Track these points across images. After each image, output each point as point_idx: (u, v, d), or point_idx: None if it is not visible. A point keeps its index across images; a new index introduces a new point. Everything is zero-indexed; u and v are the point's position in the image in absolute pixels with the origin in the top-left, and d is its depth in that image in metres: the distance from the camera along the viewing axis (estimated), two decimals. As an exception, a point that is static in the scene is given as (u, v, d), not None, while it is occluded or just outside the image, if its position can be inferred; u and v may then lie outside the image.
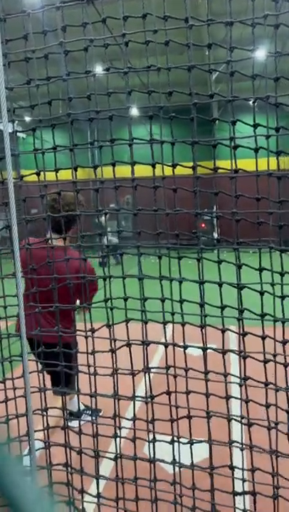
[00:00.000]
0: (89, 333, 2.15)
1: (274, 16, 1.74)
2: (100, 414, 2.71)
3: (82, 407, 3.40)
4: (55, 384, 2.60)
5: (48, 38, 2.04)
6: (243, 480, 1.98)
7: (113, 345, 2.12)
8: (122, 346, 2.10)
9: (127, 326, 2.09)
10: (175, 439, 2.09)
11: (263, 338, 1.91)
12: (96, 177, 2.08)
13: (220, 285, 1.96)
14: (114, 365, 2.13)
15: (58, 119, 2.12)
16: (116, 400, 2.13)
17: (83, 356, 2.15)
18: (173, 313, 2.04)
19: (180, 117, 1.92)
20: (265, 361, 1.90)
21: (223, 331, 1.98)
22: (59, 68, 1.98)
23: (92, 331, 2.15)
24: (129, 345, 2.10)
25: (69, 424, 2.37)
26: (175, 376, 2.05)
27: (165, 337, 2.14)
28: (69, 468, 2.26)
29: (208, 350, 2.00)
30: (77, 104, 2.15)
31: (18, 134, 2.29)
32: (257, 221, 1.89)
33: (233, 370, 2.12)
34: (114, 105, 2.00)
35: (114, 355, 2.13)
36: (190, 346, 2.02)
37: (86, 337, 2.14)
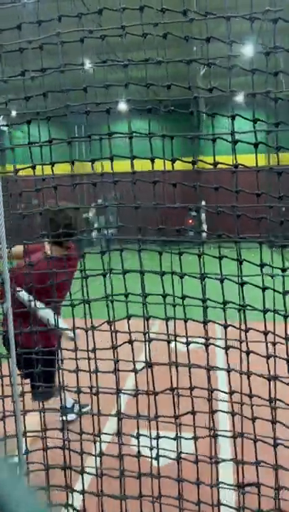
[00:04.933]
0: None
1: (270, 11, 1.74)
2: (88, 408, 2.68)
3: (71, 402, 3.46)
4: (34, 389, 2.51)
5: (40, 31, 2.00)
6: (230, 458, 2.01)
7: (114, 341, 2.10)
8: (124, 343, 2.09)
9: (128, 323, 2.08)
10: (161, 434, 2.11)
11: (266, 333, 1.91)
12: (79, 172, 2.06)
13: (221, 281, 1.96)
14: (115, 361, 2.12)
15: (46, 112, 2.09)
16: (118, 395, 2.13)
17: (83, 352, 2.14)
18: (174, 305, 2.02)
19: (160, 110, 1.91)
20: (268, 356, 1.92)
21: (225, 327, 1.98)
22: (49, 61, 1.95)
23: (93, 328, 2.12)
24: (130, 342, 2.09)
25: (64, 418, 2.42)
26: (178, 366, 2.04)
27: (168, 333, 2.14)
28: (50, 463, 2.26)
29: (199, 346, 2.01)
30: (63, 98, 2.12)
31: (3, 128, 2.25)
32: (236, 213, 1.89)
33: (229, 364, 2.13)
34: (102, 99, 1.98)
35: (114, 351, 2.11)
36: (178, 342, 2.03)
37: (86, 330, 2.12)
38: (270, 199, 1.84)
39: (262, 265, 1.88)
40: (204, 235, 2.18)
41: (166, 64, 1.86)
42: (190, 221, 15.80)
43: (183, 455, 2.07)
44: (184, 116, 1.95)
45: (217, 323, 1.99)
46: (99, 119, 2.03)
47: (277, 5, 1.83)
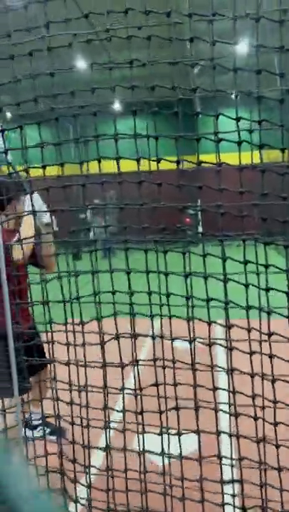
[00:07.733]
0: (77, 328, 2.15)
1: (256, 9, 1.75)
2: (66, 436, 2.44)
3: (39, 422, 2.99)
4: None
5: (30, 34, 2.01)
6: (232, 465, 2.02)
7: (102, 339, 2.12)
8: (111, 339, 2.11)
9: (115, 319, 2.10)
10: (164, 430, 2.11)
11: (249, 330, 1.93)
12: (82, 172, 2.07)
13: (205, 278, 1.97)
14: (103, 358, 2.14)
15: (41, 114, 2.10)
16: (105, 392, 2.13)
17: (71, 350, 2.16)
18: (161, 305, 2.04)
19: (146, 110, 1.93)
20: (251, 353, 1.93)
21: (209, 324, 1.99)
22: (39, 63, 1.95)
23: (82, 323, 2.14)
24: (117, 338, 2.11)
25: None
26: (164, 367, 2.05)
27: (153, 331, 2.15)
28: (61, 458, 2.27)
29: (195, 344, 2.01)
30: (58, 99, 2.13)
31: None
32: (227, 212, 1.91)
33: (220, 362, 2.15)
34: (95, 99, 1.99)
35: (103, 348, 2.13)
36: (177, 338, 2.03)
37: (74, 332, 2.13)
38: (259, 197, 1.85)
39: (246, 262, 1.90)
40: (200, 235, 2.19)
41: (153, 64, 1.86)
42: (187, 220, 15.78)
43: (186, 454, 2.09)
44: (184, 114, 1.95)
45: (203, 321, 2.00)
46: (95, 119, 2.03)
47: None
